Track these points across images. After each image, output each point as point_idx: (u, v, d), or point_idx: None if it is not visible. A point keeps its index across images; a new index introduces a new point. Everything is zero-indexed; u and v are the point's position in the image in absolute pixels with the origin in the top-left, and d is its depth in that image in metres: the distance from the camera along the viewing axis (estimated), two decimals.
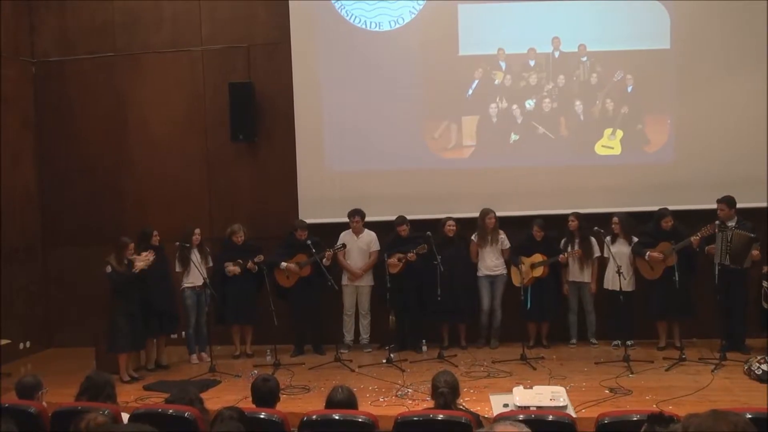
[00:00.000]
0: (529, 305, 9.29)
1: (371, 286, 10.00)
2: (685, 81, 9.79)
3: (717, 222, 8.77)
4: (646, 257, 9.07)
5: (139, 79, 10.82)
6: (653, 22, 9.78)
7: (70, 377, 6.87)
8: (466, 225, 9.79)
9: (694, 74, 9.76)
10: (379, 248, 9.87)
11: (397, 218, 9.73)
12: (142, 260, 8.77)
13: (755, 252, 8.66)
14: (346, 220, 9.90)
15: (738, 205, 8.97)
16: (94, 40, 10.83)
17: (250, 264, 9.55)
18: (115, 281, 8.77)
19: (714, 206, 8.98)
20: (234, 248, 9.71)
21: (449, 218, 9.68)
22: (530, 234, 9.59)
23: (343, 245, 9.74)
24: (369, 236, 9.94)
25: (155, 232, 9.33)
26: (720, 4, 9.63)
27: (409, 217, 9.78)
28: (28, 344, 10.50)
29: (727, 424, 2.42)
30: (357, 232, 9.89)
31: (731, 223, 8.76)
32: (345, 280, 9.94)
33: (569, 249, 9.48)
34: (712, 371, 8.14)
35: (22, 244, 10.56)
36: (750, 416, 4.38)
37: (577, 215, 9.49)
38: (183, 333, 9.79)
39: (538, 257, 9.49)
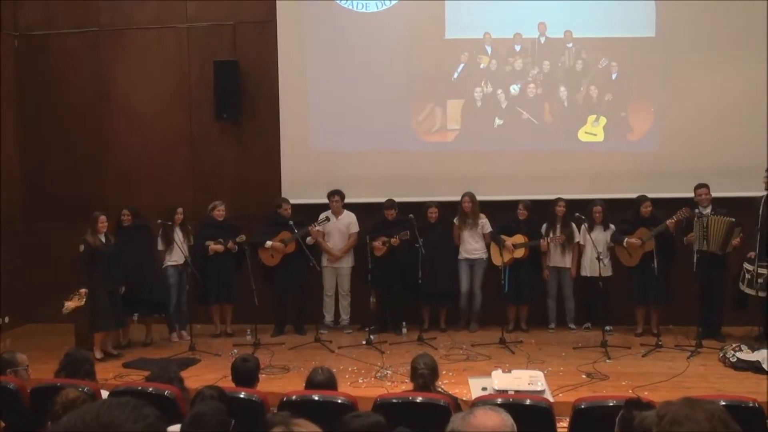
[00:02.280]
0: (507, 287, 9.35)
1: (351, 267, 10.02)
2: (670, 70, 9.83)
3: (696, 210, 8.85)
4: (624, 244, 9.14)
5: (123, 55, 10.74)
6: (639, 10, 9.80)
7: (50, 353, 6.88)
8: (448, 208, 9.82)
9: (678, 63, 9.80)
10: (358, 230, 9.90)
11: (386, 201, 9.73)
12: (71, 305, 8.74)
13: (737, 239, 8.75)
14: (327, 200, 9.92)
15: (720, 194, 9.08)
16: (78, 15, 10.73)
17: (230, 244, 9.54)
18: (87, 259, 8.74)
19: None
20: (215, 226, 9.70)
21: (431, 204, 9.70)
22: (514, 215, 9.62)
23: (327, 218, 9.71)
24: (348, 218, 9.95)
25: (124, 211, 9.31)
26: None
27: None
28: (6, 319, 10.46)
29: (704, 412, 2.44)
30: (336, 213, 9.89)
31: (707, 211, 8.85)
32: (325, 262, 9.95)
33: (551, 234, 9.53)
34: (688, 358, 8.24)
35: (3, 219, 10.48)
36: (724, 403, 4.43)
37: (564, 201, 9.54)
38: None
39: (519, 238, 9.53)
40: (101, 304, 8.74)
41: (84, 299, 8.68)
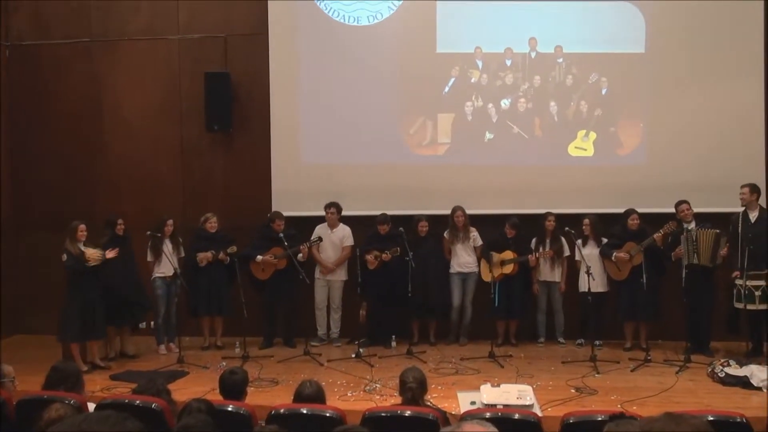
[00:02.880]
0: (497, 302, 9.36)
1: (344, 280, 10.01)
2: (659, 85, 9.89)
3: (686, 226, 8.90)
4: (613, 258, 9.17)
5: (114, 66, 10.73)
6: (629, 26, 9.87)
7: (37, 365, 6.80)
8: (438, 222, 9.83)
9: (667, 79, 9.86)
10: (352, 243, 9.89)
11: (379, 216, 9.74)
12: (93, 257, 8.69)
13: (724, 249, 8.80)
14: (319, 213, 9.91)
15: (709, 209, 9.18)
16: (70, 25, 10.73)
17: (221, 255, 9.53)
18: (71, 268, 8.71)
19: None
20: (206, 237, 9.69)
21: (422, 218, 9.72)
22: (503, 231, 9.66)
23: (319, 238, 9.73)
24: (343, 231, 9.95)
25: (120, 221, 9.28)
26: (694, 11, 9.73)
27: (382, 212, 9.80)
28: None
29: (688, 427, 2.45)
30: (332, 225, 9.89)
31: (691, 225, 8.91)
32: (317, 274, 9.95)
33: (540, 249, 9.55)
34: (677, 373, 8.25)
35: None
36: (712, 418, 4.45)
37: (554, 215, 9.56)
38: (152, 323, 9.75)
39: (508, 254, 9.55)
40: (73, 314, 8.67)
41: (103, 256, 8.70)
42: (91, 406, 4.84)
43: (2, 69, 10.79)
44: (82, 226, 8.84)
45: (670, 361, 8.70)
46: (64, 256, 8.73)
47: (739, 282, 8.64)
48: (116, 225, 9.24)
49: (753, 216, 8.72)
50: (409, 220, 9.71)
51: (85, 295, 8.72)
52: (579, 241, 9.33)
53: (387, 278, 9.61)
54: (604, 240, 9.41)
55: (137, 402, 4.76)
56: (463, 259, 9.78)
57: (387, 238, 9.65)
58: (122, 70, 10.72)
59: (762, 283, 8.48)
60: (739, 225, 8.68)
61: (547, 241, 9.56)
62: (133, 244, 9.47)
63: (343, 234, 9.94)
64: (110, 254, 8.78)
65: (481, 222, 9.88)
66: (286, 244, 9.41)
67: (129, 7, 10.65)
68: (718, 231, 8.76)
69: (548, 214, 9.61)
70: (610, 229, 9.46)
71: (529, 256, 9.51)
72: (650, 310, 9.15)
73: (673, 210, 9.29)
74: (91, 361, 8.87)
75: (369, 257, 9.55)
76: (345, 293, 9.99)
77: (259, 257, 9.64)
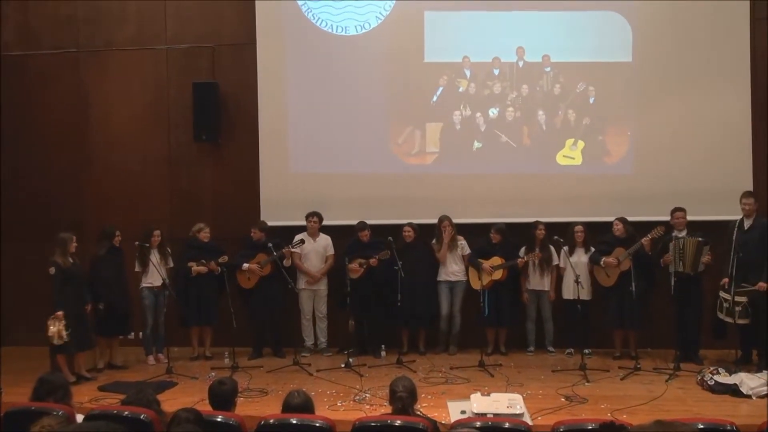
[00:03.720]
0: (487, 311, 9.35)
1: (327, 290, 10.01)
2: (646, 94, 9.93)
3: (673, 233, 8.93)
4: (602, 263, 9.18)
5: (102, 76, 10.71)
6: (616, 35, 9.92)
7: (24, 376, 6.77)
8: (427, 231, 9.83)
9: (654, 87, 9.91)
10: (334, 252, 9.90)
11: (358, 223, 9.76)
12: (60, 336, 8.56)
13: (707, 257, 8.83)
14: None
15: (695, 218, 9.17)
16: (58, 36, 10.71)
17: (213, 265, 9.51)
18: (60, 281, 8.65)
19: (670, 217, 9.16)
20: (198, 248, 9.67)
21: (407, 224, 9.72)
22: (488, 238, 9.67)
23: (302, 240, 9.72)
24: (325, 240, 9.95)
25: (117, 233, 9.26)
26: (681, 20, 9.79)
27: (371, 222, 9.82)
28: None
29: None
30: (313, 235, 9.88)
31: (682, 234, 8.94)
32: (302, 284, 9.92)
33: (528, 253, 9.56)
34: (666, 381, 8.26)
35: None
36: (702, 426, 4.46)
37: (544, 224, 9.58)
38: (140, 333, 9.70)
39: (497, 260, 9.56)
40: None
41: (63, 320, 8.53)
42: (80, 418, 4.80)
43: None
44: (74, 238, 8.81)
45: (660, 369, 8.70)
46: (52, 269, 8.67)
47: (723, 294, 8.67)
48: (114, 236, 9.24)
49: (747, 223, 8.74)
50: (398, 230, 9.70)
51: (72, 307, 8.65)
52: (565, 248, 9.33)
53: (375, 288, 9.60)
54: (592, 249, 9.42)
55: (126, 413, 4.73)
56: (451, 267, 9.78)
57: (370, 245, 9.65)
58: (110, 80, 10.70)
59: (744, 299, 8.49)
60: (734, 232, 8.70)
61: (537, 249, 9.56)
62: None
63: (327, 243, 9.95)
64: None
65: (471, 231, 9.88)
66: (271, 246, 9.40)
67: (117, 18, 10.64)
68: (700, 239, 8.80)
69: (537, 222, 9.63)
70: (597, 237, 9.47)
71: (518, 259, 9.51)
72: (639, 318, 9.15)
73: (660, 218, 9.32)
74: (78, 372, 8.80)
75: (353, 266, 9.54)
76: (329, 302, 9.98)
77: (245, 265, 9.63)
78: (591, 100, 10.02)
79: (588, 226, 9.55)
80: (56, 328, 8.46)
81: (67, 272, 8.67)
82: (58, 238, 8.80)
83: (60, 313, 8.51)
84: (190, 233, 9.75)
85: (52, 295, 8.69)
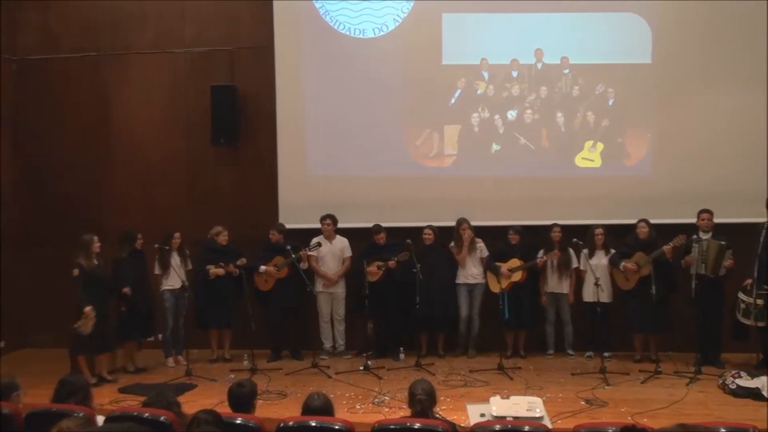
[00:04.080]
0: (507, 314, 9.32)
1: (345, 292, 10.01)
2: (665, 96, 9.87)
3: (694, 236, 8.86)
4: (621, 267, 9.12)
5: (121, 80, 10.77)
6: (635, 36, 9.86)
7: (45, 378, 6.80)
8: (445, 234, 9.81)
9: (673, 89, 9.84)
10: (351, 254, 9.89)
11: (374, 226, 9.75)
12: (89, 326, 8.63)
13: (729, 261, 8.75)
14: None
15: (716, 220, 9.07)
16: (78, 39, 10.78)
17: (231, 267, 9.53)
18: (83, 282, 8.69)
19: (691, 220, 9.07)
20: (216, 251, 9.69)
21: (427, 226, 9.70)
22: (506, 240, 9.64)
23: (318, 243, 9.72)
24: (342, 242, 9.96)
25: (139, 235, 9.31)
26: (700, 20, 9.73)
27: (389, 224, 9.81)
28: (2, 344, 10.39)
29: None
30: (329, 237, 9.88)
31: (707, 236, 8.87)
32: (320, 287, 9.92)
33: (547, 252, 9.51)
34: (687, 385, 8.20)
35: None
36: (724, 431, 4.42)
37: (560, 226, 9.54)
38: (160, 336, 9.74)
39: (515, 262, 9.52)
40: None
41: (93, 316, 8.58)
42: (100, 419, 4.82)
43: (9, 83, 10.82)
44: (96, 239, 8.86)
45: (681, 372, 8.64)
46: (76, 271, 8.72)
47: (741, 296, 8.59)
48: (136, 239, 9.28)
49: None
50: (417, 232, 9.69)
51: (95, 308, 8.68)
52: (585, 251, 9.29)
53: (393, 290, 9.59)
54: (612, 251, 9.37)
55: (146, 414, 4.74)
56: (470, 270, 9.76)
57: (386, 248, 9.64)
58: (129, 83, 10.76)
59: (761, 302, 8.41)
60: (762, 233, 8.59)
61: (555, 251, 9.50)
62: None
63: (343, 245, 9.96)
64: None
65: (489, 233, 9.85)
66: (288, 248, 9.42)
67: (136, 21, 10.69)
68: (722, 242, 8.73)
69: (554, 225, 9.59)
70: (619, 239, 9.41)
71: (537, 259, 9.47)
72: (660, 322, 9.08)
73: (680, 220, 9.28)
74: (99, 374, 8.85)
75: (371, 268, 9.53)
76: (347, 305, 9.98)
77: (262, 267, 9.65)
78: (610, 102, 9.96)
79: (607, 228, 9.49)
80: (88, 322, 8.52)
81: (90, 274, 8.73)
82: (81, 239, 8.85)
83: (89, 308, 8.56)
84: (209, 236, 9.77)
85: (77, 296, 8.75)
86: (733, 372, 8.08)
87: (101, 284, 8.82)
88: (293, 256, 9.41)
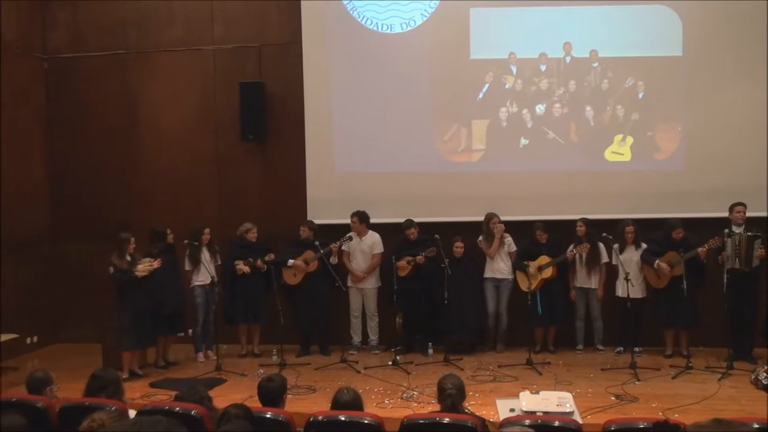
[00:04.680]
0: (540, 311, 9.29)
1: (377, 288, 10.00)
2: (697, 88, 9.77)
3: (726, 230, 8.76)
4: (655, 266, 9.04)
5: (150, 77, 10.85)
6: (666, 28, 9.77)
7: (77, 373, 6.89)
8: (473, 229, 9.77)
9: (705, 82, 9.74)
10: (382, 250, 9.89)
11: (405, 221, 9.74)
12: (144, 269, 8.77)
13: (760, 251, 8.65)
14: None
15: (749, 214, 8.98)
16: (107, 38, 10.87)
17: (259, 262, 9.58)
18: (119, 280, 8.80)
19: (722, 214, 8.98)
20: (245, 247, 9.73)
21: (457, 238, 9.68)
22: (533, 237, 9.59)
23: (349, 237, 9.74)
24: (372, 238, 9.95)
25: (169, 230, 9.39)
26: (732, 12, 9.60)
27: (417, 220, 9.79)
28: (35, 339, 10.54)
29: None
30: (359, 234, 9.89)
31: (739, 230, 8.77)
32: (350, 282, 9.96)
33: (576, 246, 9.45)
34: (719, 380, 8.12)
35: (30, 239, 10.59)
36: (757, 426, 4.36)
37: (585, 221, 9.49)
38: (190, 331, 9.81)
39: (544, 259, 9.48)
40: (126, 323, 8.76)
41: (155, 266, 8.82)
42: (132, 414, 4.87)
43: (40, 82, 10.94)
44: (132, 239, 8.95)
45: (712, 368, 8.56)
46: (111, 269, 8.83)
47: None
48: (167, 235, 9.37)
49: None
50: (444, 227, 9.67)
51: (134, 304, 8.80)
52: (616, 246, 9.22)
53: (422, 286, 9.58)
54: (643, 245, 9.28)
55: (177, 409, 4.78)
56: (497, 264, 9.73)
57: (417, 243, 9.63)
58: (158, 81, 10.83)
59: None
60: None
61: (585, 244, 9.43)
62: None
63: (373, 241, 9.95)
64: (156, 264, 8.85)
65: (518, 228, 9.80)
66: (318, 246, 9.45)
67: (164, 19, 10.77)
68: (750, 234, 8.64)
69: (579, 220, 9.53)
70: (648, 234, 9.33)
71: (567, 253, 9.42)
72: (690, 317, 9.00)
73: (711, 214, 9.20)
74: (130, 369, 8.94)
75: (401, 263, 9.54)
76: (380, 300, 9.97)
77: (291, 261, 9.68)
78: (640, 96, 9.88)
79: (637, 222, 9.41)
80: (145, 267, 8.75)
81: (123, 272, 8.80)
82: (118, 237, 8.96)
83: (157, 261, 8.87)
84: (238, 233, 9.81)
85: (113, 294, 8.91)
86: (766, 367, 7.99)
87: (136, 282, 8.88)
88: (322, 251, 9.43)
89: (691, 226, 9.13)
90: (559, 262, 9.45)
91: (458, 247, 9.66)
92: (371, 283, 10.00)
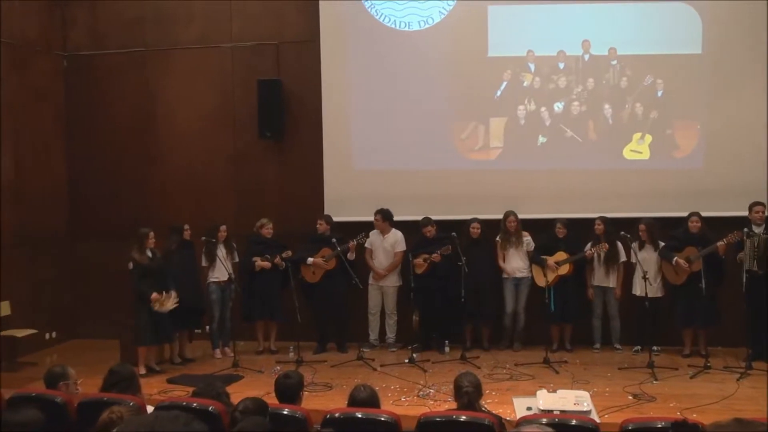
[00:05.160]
0: (553, 307, 9.26)
1: (397, 286, 10.00)
2: (716, 86, 9.70)
3: (745, 229, 8.69)
4: (673, 262, 8.99)
5: (168, 75, 10.89)
6: (685, 26, 9.71)
7: (95, 368, 6.92)
8: (491, 226, 9.76)
9: (724, 80, 9.67)
10: (404, 248, 9.87)
11: (422, 219, 9.73)
12: (163, 305, 8.80)
13: None
14: (371, 218, 9.92)
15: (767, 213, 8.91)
16: (125, 35, 10.92)
17: (277, 259, 9.59)
18: (138, 275, 8.84)
19: (743, 213, 8.92)
20: (261, 243, 9.75)
21: (474, 219, 9.66)
22: (552, 233, 9.57)
23: (366, 234, 9.73)
24: (395, 236, 9.94)
25: (186, 227, 9.43)
26: (752, 9, 9.52)
27: (434, 218, 9.77)
28: (54, 335, 10.61)
29: None
30: (382, 231, 9.89)
31: (759, 230, 8.70)
32: (370, 280, 9.96)
33: (595, 245, 9.41)
34: (737, 380, 8.07)
35: (50, 236, 10.67)
36: None
37: (603, 219, 9.44)
38: (207, 327, 9.85)
39: (562, 255, 9.44)
40: (144, 319, 8.81)
41: (175, 300, 8.81)
42: (149, 409, 4.89)
43: (60, 79, 11.01)
44: (152, 234, 8.99)
45: (731, 367, 8.51)
46: (131, 265, 8.87)
47: None
48: (183, 231, 9.42)
49: None
50: (461, 225, 9.65)
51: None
52: (635, 245, 9.18)
53: (439, 283, 9.57)
54: (662, 244, 9.23)
55: (194, 404, 4.80)
56: (516, 264, 9.70)
57: (434, 241, 9.62)
58: (176, 78, 10.87)
59: None
60: None
61: (602, 244, 9.39)
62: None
63: (395, 239, 9.94)
64: (173, 302, 8.88)
65: (535, 226, 9.78)
66: (334, 241, 9.48)
67: (182, 17, 10.80)
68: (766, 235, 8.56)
69: (597, 218, 9.48)
70: (668, 232, 9.28)
71: (585, 252, 9.38)
72: (709, 316, 8.94)
73: (730, 213, 9.13)
74: (148, 365, 8.98)
75: (417, 260, 9.53)
76: (399, 298, 9.97)
77: (310, 259, 9.69)
78: (659, 93, 9.82)
79: (656, 221, 9.36)
80: (167, 303, 8.76)
81: (143, 267, 8.85)
82: (137, 232, 9.01)
83: (154, 295, 8.74)
84: (254, 228, 9.83)
85: (132, 288, 8.97)
86: None
87: (155, 277, 8.93)
88: (338, 248, 9.44)
89: (710, 225, 9.08)
90: (577, 259, 9.41)
91: (475, 228, 9.63)
92: (392, 281, 9.99)
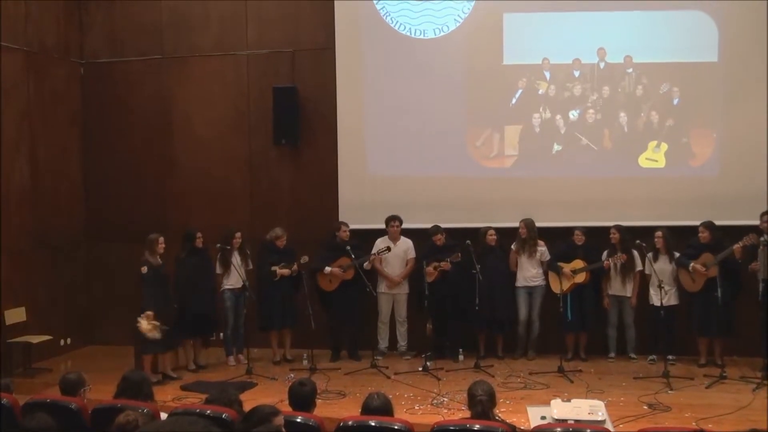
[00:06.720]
0: (570, 316, 9.21)
1: (407, 293, 9.99)
2: (732, 94, 9.65)
3: (762, 237, 8.62)
4: (690, 268, 8.93)
5: (185, 81, 10.94)
6: (701, 34, 9.66)
7: (110, 375, 6.93)
8: (506, 235, 9.74)
9: (741, 88, 9.61)
10: (415, 255, 9.87)
11: (431, 228, 9.72)
12: (147, 328, 8.66)
13: None
14: (383, 226, 9.91)
15: None
16: (142, 42, 10.98)
17: (295, 266, 9.57)
18: (150, 280, 8.85)
19: (758, 222, 8.86)
20: (276, 251, 9.73)
21: (490, 227, 9.64)
22: (570, 240, 9.53)
23: (388, 248, 9.73)
24: (406, 243, 9.94)
25: (199, 234, 9.44)
26: None
27: (449, 225, 9.77)
28: (68, 341, 10.65)
29: None
30: (395, 239, 9.88)
31: None
32: (382, 288, 9.94)
33: (613, 255, 9.37)
34: (754, 390, 8.01)
35: (66, 241, 10.73)
36: None
37: (618, 228, 9.39)
38: (221, 334, 9.86)
39: (579, 263, 9.40)
40: None
41: (154, 319, 8.69)
42: (163, 416, 4.89)
43: (77, 86, 11.08)
44: (162, 239, 9.02)
45: (747, 378, 8.45)
46: (144, 268, 8.90)
47: None
48: (195, 238, 9.42)
49: None
50: (476, 233, 9.64)
51: (159, 306, 8.83)
52: (650, 255, 9.13)
53: (452, 291, 9.55)
54: (676, 254, 9.18)
55: (208, 411, 4.80)
56: (529, 272, 9.67)
57: (444, 249, 9.60)
58: (192, 85, 10.92)
59: None
60: None
61: (619, 253, 9.34)
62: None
63: (407, 246, 9.94)
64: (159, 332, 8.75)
65: (551, 234, 9.75)
66: (350, 251, 9.48)
67: (199, 24, 10.85)
68: None
69: (612, 227, 9.44)
70: (684, 241, 9.23)
71: (603, 262, 9.33)
72: (725, 325, 8.88)
73: (747, 222, 9.06)
74: (163, 372, 9.00)
75: (429, 269, 9.51)
76: (409, 305, 9.96)
77: (328, 268, 9.68)
78: (675, 102, 9.78)
79: (672, 230, 9.31)
80: (149, 325, 8.62)
81: (157, 272, 8.88)
82: (147, 238, 9.03)
83: (150, 312, 8.69)
84: (268, 237, 9.78)
85: (142, 294, 8.93)
86: None
87: (165, 283, 8.96)
88: (356, 259, 9.43)
89: (727, 234, 9.01)
90: (594, 268, 9.36)
91: (491, 235, 9.61)
92: (404, 289, 9.99)
